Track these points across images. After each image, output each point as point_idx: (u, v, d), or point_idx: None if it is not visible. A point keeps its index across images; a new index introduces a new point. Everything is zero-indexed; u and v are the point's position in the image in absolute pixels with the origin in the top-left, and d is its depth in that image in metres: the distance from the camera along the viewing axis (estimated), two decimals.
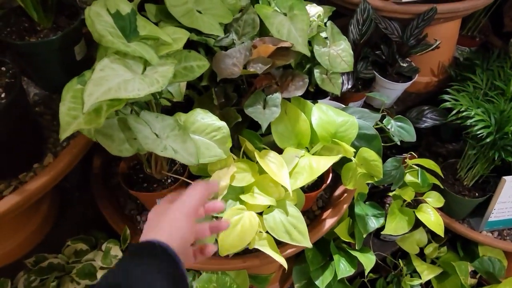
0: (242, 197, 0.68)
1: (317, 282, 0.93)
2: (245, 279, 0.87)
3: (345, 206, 0.85)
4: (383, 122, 0.85)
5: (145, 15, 0.68)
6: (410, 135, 0.85)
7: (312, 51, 0.80)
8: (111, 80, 0.48)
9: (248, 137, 0.74)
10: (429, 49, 1.00)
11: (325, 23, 0.85)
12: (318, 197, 0.90)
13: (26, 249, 0.83)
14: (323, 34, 0.83)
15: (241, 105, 0.72)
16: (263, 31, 0.76)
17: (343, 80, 0.93)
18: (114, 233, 0.80)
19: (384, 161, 0.83)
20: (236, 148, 0.75)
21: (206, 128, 0.62)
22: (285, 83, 0.75)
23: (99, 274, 0.76)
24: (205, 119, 0.62)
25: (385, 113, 0.89)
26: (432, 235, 1.19)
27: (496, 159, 0.96)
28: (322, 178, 0.82)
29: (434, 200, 1.01)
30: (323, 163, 0.70)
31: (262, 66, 0.68)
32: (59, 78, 0.75)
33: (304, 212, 0.83)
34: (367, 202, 1.01)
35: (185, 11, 0.68)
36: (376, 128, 0.80)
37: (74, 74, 0.55)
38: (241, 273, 0.86)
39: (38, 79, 0.78)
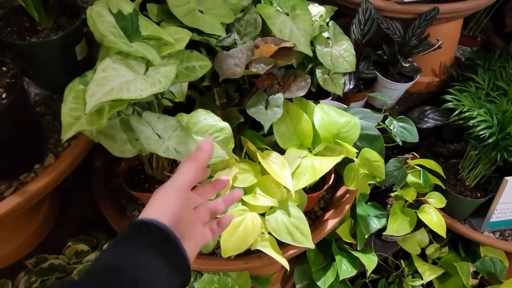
0: (244, 198, 0.68)
1: (319, 283, 0.93)
2: (246, 280, 0.87)
3: (347, 206, 0.84)
4: (386, 122, 0.85)
5: (147, 14, 0.67)
6: (412, 135, 0.85)
7: (314, 51, 0.79)
8: (113, 81, 0.48)
9: (250, 137, 0.74)
10: (431, 49, 1.00)
11: (327, 23, 0.84)
12: (320, 198, 0.90)
13: (27, 250, 0.83)
14: (325, 34, 0.83)
15: (243, 105, 0.72)
16: (265, 31, 0.75)
17: (345, 80, 0.92)
18: (115, 234, 0.80)
19: (386, 161, 0.82)
20: (238, 149, 0.75)
21: (209, 129, 0.61)
22: (287, 84, 0.74)
23: None
24: (207, 120, 0.62)
25: (387, 114, 0.88)
26: (433, 236, 1.18)
27: (498, 159, 0.96)
28: (324, 178, 0.82)
29: (436, 200, 1.01)
30: (326, 164, 0.69)
31: (264, 66, 0.68)
32: (60, 78, 0.75)
33: (306, 213, 0.82)
34: (369, 203, 1.00)
35: (187, 11, 0.68)
36: (378, 129, 0.80)
37: (75, 74, 0.55)
38: (243, 274, 0.86)
39: (39, 79, 0.78)
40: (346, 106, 0.88)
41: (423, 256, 1.17)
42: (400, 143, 0.85)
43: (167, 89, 0.58)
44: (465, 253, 1.20)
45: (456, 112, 0.96)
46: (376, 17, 0.95)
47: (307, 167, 0.70)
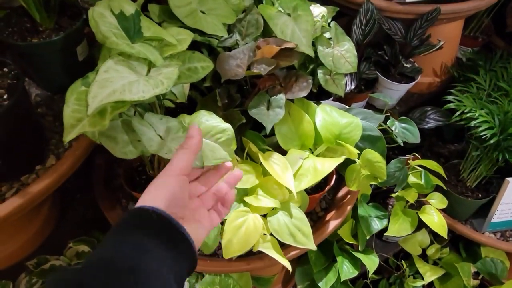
0: (246, 199, 0.68)
1: (320, 284, 0.93)
2: (248, 281, 0.87)
3: (349, 207, 0.84)
4: (387, 123, 0.85)
5: (148, 15, 0.67)
6: (414, 136, 0.85)
7: (315, 52, 0.79)
8: (116, 82, 0.47)
9: (251, 138, 0.73)
10: (433, 49, 0.99)
11: (329, 24, 0.84)
12: (321, 199, 0.90)
13: (28, 251, 0.83)
14: (327, 35, 0.83)
15: (244, 106, 0.72)
16: (267, 32, 0.75)
17: (346, 81, 0.92)
18: None
19: (387, 162, 0.82)
20: (239, 150, 0.75)
21: (211, 130, 0.61)
22: (289, 84, 0.74)
23: None
24: (209, 121, 0.61)
25: (388, 114, 0.88)
26: (434, 236, 1.18)
27: (499, 160, 0.96)
28: (325, 179, 0.82)
29: (437, 201, 1.01)
30: (328, 165, 0.69)
31: (266, 67, 0.68)
32: (61, 79, 0.75)
33: (307, 214, 0.82)
34: (370, 203, 1.00)
35: (188, 11, 0.67)
36: (379, 129, 0.80)
37: (77, 75, 0.54)
38: (244, 275, 0.85)
39: (40, 79, 0.78)
40: (347, 107, 0.88)
41: (424, 256, 1.17)
42: (402, 144, 0.85)
43: (169, 90, 0.58)
44: (466, 254, 1.20)
45: (458, 113, 0.96)
46: (377, 18, 0.95)
47: (309, 168, 0.70)
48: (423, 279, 1.11)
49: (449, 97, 1.00)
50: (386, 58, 1.08)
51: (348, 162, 0.76)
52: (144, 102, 0.59)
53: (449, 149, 1.26)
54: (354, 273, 0.93)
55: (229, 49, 0.72)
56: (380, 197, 1.17)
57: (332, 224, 0.81)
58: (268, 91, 0.72)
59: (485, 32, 1.36)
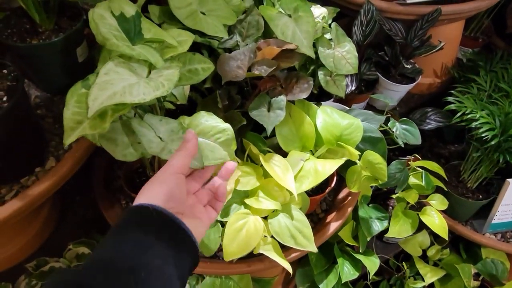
0: (247, 201, 0.68)
1: (321, 286, 0.93)
2: (248, 283, 0.86)
3: (350, 209, 0.84)
4: (388, 125, 0.85)
5: (148, 16, 0.67)
6: (415, 138, 0.85)
7: (316, 53, 0.79)
8: (116, 84, 0.47)
9: (252, 140, 0.73)
10: (433, 50, 0.99)
11: (330, 25, 0.84)
12: (322, 200, 0.90)
13: (27, 253, 0.82)
14: (328, 36, 0.83)
15: (245, 107, 0.71)
16: (267, 33, 0.75)
17: (347, 82, 0.92)
18: None
19: (387, 163, 0.82)
20: (240, 151, 0.74)
21: (210, 130, 0.60)
22: (289, 86, 0.74)
23: None
24: (209, 121, 0.60)
25: (389, 115, 0.88)
26: (435, 237, 1.18)
27: (500, 161, 0.96)
28: (326, 181, 0.81)
29: (438, 202, 1.01)
30: (329, 167, 0.69)
31: (267, 69, 0.67)
32: (61, 80, 0.74)
33: (308, 215, 0.82)
34: (370, 205, 1.00)
35: (189, 12, 0.67)
36: (380, 131, 0.79)
37: (76, 76, 0.54)
38: (245, 277, 0.85)
39: (40, 81, 0.77)
40: (347, 108, 0.88)
41: (424, 257, 1.17)
42: (402, 145, 0.85)
43: (170, 92, 0.58)
44: (466, 255, 1.20)
45: (459, 114, 0.96)
46: (378, 19, 0.95)
47: (310, 170, 0.70)
48: (423, 280, 1.10)
49: (450, 98, 1.00)
50: (387, 59, 1.08)
51: (349, 163, 0.76)
52: (145, 104, 0.59)
53: (450, 150, 1.26)
54: (355, 274, 0.93)
55: (230, 50, 0.72)
56: (381, 198, 1.17)
57: (333, 226, 0.80)
58: (268, 93, 0.71)
59: (485, 33, 1.36)
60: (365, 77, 1.06)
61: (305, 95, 0.72)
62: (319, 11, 0.83)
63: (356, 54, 0.83)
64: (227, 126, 0.60)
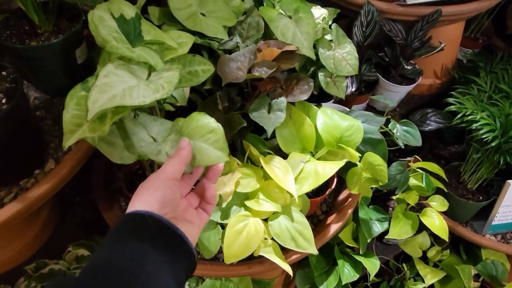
0: (247, 203, 0.67)
1: None
2: (248, 284, 0.86)
3: (350, 211, 0.84)
4: (389, 126, 0.84)
5: (148, 17, 0.67)
6: (416, 139, 0.84)
7: (316, 54, 0.79)
8: (116, 87, 0.47)
9: (252, 141, 0.73)
10: (434, 51, 0.99)
11: (330, 26, 0.84)
12: (322, 202, 0.89)
13: (27, 255, 0.82)
14: (328, 37, 0.82)
15: (245, 109, 0.71)
16: (268, 34, 0.75)
17: (347, 83, 0.92)
18: None
19: (388, 164, 0.82)
20: (240, 153, 0.74)
21: (201, 131, 0.58)
22: (290, 87, 0.74)
23: None
24: (199, 122, 0.58)
25: (389, 117, 0.88)
26: (435, 238, 1.18)
27: (500, 162, 0.95)
28: (326, 182, 0.80)
29: (438, 204, 1.01)
30: (329, 169, 0.69)
31: (267, 70, 0.67)
32: (60, 81, 0.74)
33: (308, 217, 0.82)
34: (370, 206, 1.00)
35: (189, 14, 0.67)
36: (380, 132, 0.79)
37: (76, 78, 0.54)
38: (245, 279, 0.85)
39: (39, 82, 0.77)
40: (348, 109, 0.87)
41: (424, 258, 1.16)
42: (403, 147, 0.85)
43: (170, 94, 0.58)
44: (466, 256, 1.20)
45: (459, 116, 0.96)
46: (378, 20, 0.94)
47: (310, 172, 0.69)
48: (423, 281, 1.10)
49: (450, 100, 0.99)
50: (387, 60, 1.07)
51: (349, 165, 0.76)
52: (145, 106, 0.58)
53: (450, 151, 1.26)
54: (355, 276, 0.93)
55: (230, 51, 0.72)
56: (381, 199, 1.17)
57: (333, 228, 0.80)
58: (269, 94, 0.71)
59: (485, 34, 1.35)
60: (365, 78, 1.05)
61: (305, 96, 0.72)
62: (320, 12, 0.83)
63: (357, 55, 0.82)
64: (217, 125, 0.58)
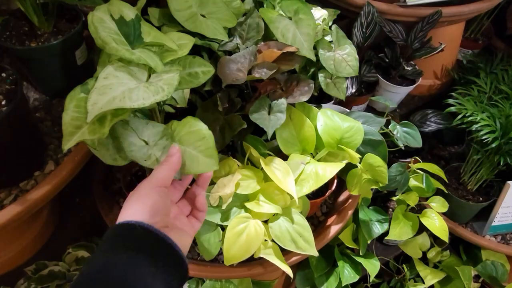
0: (247, 205, 0.67)
1: None
2: (248, 286, 0.86)
3: (350, 212, 0.84)
4: (389, 127, 0.84)
5: (148, 19, 0.67)
6: (416, 141, 0.84)
7: (317, 56, 0.79)
8: (116, 89, 0.47)
9: (252, 143, 0.73)
10: (434, 52, 0.99)
11: (330, 27, 0.84)
12: (322, 203, 0.89)
13: (27, 256, 0.82)
14: (328, 38, 0.82)
15: (245, 110, 0.71)
16: (268, 35, 0.75)
17: (347, 84, 0.92)
18: None
19: (388, 165, 0.82)
20: (240, 155, 0.74)
21: (192, 137, 0.57)
22: (290, 88, 0.73)
23: None
24: (192, 128, 0.57)
25: (389, 118, 0.88)
26: (435, 239, 1.18)
27: (500, 164, 0.95)
28: (326, 184, 0.80)
29: (438, 205, 1.01)
30: (330, 170, 0.68)
31: (267, 72, 0.67)
32: (60, 83, 0.74)
33: (308, 218, 0.82)
34: (370, 207, 1.00)
35: (189, 15, 0.67)
36: (380, 133, 0.79)
37: (76, 79, 0.54)
38: (245, 280, 0.85)
39: (38, 83, 0.77)
40: (348, 110, 0.87)
41: (424, 259, 1.16)
42: (403, 148, 0.85)
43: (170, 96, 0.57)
44: (466, 257, 1.20)
45: (459, 117, 0.95)
46: (378, 20, 0.94)
47: (310, 174, 0.69)
48: (423, 282, 1.10)
49: (450, 101, 0.99)
50: (387, 60, 1.07)
51: (349, 166, 0.76)
52: (145, 108, 0.58)
53: (450, 152, 1.26)
54: (355, 277, 0.93)
55: (230, 53, 0.72)
56: (381, 200, 1.16)
57: (334, 229, 0.80)
58: (269, 96, 0.71)
59: (485, 34, 1.35)
60: (365, 79, 1.05)
61: (305, 98, 0.71)
62: (320, 13, 0.83)
63: (357, 57, 0.82)
64: (209, 133, 0.57)
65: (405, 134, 0.84)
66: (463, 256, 1.20)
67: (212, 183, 0.68)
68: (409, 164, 0.98)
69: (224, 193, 0.65)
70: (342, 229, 0.88)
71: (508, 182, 0.99)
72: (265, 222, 0.68)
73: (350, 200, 0.86)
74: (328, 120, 0.75)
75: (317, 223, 0.86)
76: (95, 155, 0.55)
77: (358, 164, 0.74)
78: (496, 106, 0.99)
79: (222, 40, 0.71)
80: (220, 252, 0.74)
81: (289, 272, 0.67)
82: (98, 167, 0.88)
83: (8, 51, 0.67)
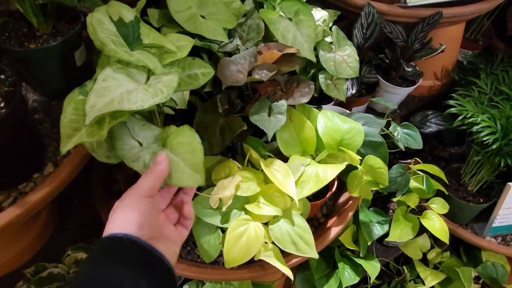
0: (248, 207, 0.67)
1: None
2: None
3: (350, 214, 0.83)
4: (390, 129, 0.84)
5: (147, 20, 0.66)
6: (417, 142, 0.84)
7: (317, 57, 0.78)
8: (114, 91, 0.47)
9: (252, 144, 0.72)
10: (434, 53, 0.99)
11: (330, 28, 0.83)
12: (322, 204, 0.89)
13: (26, 258, 0.82)
14: (328, 39, 0.82)
15: (245, 112, 0.71)
16: (268, 37, 0.74)
17: (347, 86, 0.91)
18: None
19: (388, 167, 0.81)
20: (240, 156, 0.74)
21: (183, 148, 0.55)
22: (290, 90, 0.73)
23: None
24: (184, 139, 0.55)
25: (390, 118, 0.88)
26: (435, 240, 1.18)
27: (501, 165, 0.95)
28: (327, 185, 0.80)
29: (438, 206, 1.00)
30: (330, 172, 0.68)
31: (268, 73, 0.67)
32: (59, 84, 0.73)
33: (308, 220, 0.81)
34: (371, 209, 0.99)
35: (188, 16, 0.66)
36: (381, 134, 0.79)
37: (75, 80, 0.53)
38: (245, 282, 0.85)
39: (37, 85, 0.76)
40: (348, 111, 0.87)
41: (424, 260, 1.16)
42: (403, 149, 0.84)
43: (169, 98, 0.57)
44: (466, 258, 1.20)
45: (460, 118, 0.95)
46: (378, 21, 0.94)
47: (311, 175, 0.69)
48: (424, 283, 1.10)
49: (451, 102, 0.99)
50: (387, 61, 1.07)
51: (349, 168, 0.75)
52: (144, 110, 0.58)
53: (450, 153, 1.26)
54: (356, 279, 0.92)
55: (230, 54, 0.71)
56: (381, 201, 1.16)
57: (334, 231, 0.80)
58: (269, 97, 0.71)
59: (485, 35, 1.35)
60: (366, 80, 1.05)
61: (305, 99, 0.71)
62: (320, 14, 0.83)
63: (357, 58, 0.82)
64: (200, 147, 0.54)
65: (406, 136, 0.84)
66: (464, 257, 1.20)
67: (212, 185, 0.68)
68: (410, 166, 0.98)
69: (224, 195, 0.65)
70: (343, 230, 0.88)
71: (509, 183, 0.99)
72: (266, 224, 0.68)
73: (350, 202, 0.86)
74: (329, 122, 0.74)
75: (317, 224, 0.86)
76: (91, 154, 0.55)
77: (358, 166, 0.74)
78: (496, 107, 0.98)
79: (222, 41, 0.71)
80: (220, 254, 0.74)
81: (290, 274, 0.67)
82: (97, 168, 0.88)
83: (7, 52, 0.66)
